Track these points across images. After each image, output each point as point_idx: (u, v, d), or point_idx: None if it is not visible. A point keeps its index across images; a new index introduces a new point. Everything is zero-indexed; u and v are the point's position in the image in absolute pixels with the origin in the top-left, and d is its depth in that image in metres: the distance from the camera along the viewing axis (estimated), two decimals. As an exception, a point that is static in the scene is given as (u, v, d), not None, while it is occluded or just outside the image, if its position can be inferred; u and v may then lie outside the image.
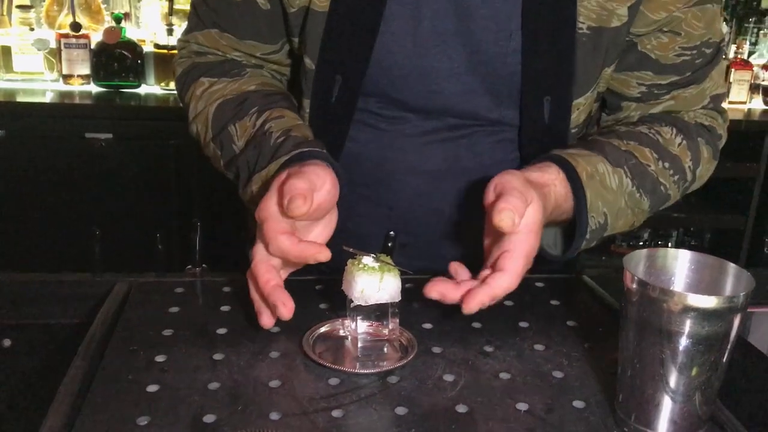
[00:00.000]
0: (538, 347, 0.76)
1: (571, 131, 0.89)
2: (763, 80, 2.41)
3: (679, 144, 0.87)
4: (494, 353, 0.74)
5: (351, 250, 0.73)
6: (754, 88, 2.43)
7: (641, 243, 2.44)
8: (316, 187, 0.70)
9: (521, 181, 0.70)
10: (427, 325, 0.79)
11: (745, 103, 2.42)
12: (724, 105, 0.98)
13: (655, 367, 0.59)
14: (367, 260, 0.72)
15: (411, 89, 0.87)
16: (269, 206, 0.70)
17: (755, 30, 2.54)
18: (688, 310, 0.56)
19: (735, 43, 2.47)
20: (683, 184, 0.89)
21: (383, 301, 0.71)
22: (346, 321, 0.75)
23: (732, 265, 0.62)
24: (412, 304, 0.82)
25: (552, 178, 0.77)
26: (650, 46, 0.87)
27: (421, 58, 0.84)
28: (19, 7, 2.11)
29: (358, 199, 0.94)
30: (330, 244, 0.71)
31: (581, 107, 0.87)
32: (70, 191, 1.88)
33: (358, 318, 0.72)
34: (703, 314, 0.56)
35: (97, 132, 1.94)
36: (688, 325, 0.57)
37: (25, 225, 1.89)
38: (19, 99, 1.98)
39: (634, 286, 0.59)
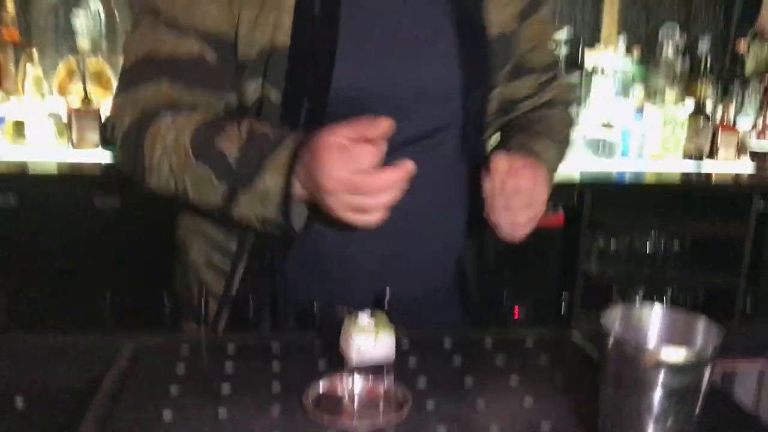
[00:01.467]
0: (528, 403, 0.79)
1: (487, 119, 1.08)
2: (749, 141, 2.48)
3: (557, 112, 1.17)
4: (485, 410, 0.78)
5: (346, 308, 0.78)
6: (741, 149, 2.51)
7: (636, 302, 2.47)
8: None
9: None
10: (422, 380, 0.83)
11: (733, 160, 2.49)
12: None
13: (632, 419, 0.63)
14: (363, 318, 0.76)
15: (372, 100, 0.95)
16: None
17: (740, 93, 2.64)
18: (660, 364, 0.61)
19: (721, 106, 2.55)
20: (571, 122, 1.20)
21: (379, 360, 0.76)
22: (343, 378, 0.79)
23: (702, 318, 0.66)
24: (407, 359, 0.86)
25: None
26: (533, 57, 1.11)
27: (377, 72, 0.95)
28: (33, 77, 2.21)
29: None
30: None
31: (492, 100, 1.07)
32: (80, 255, 1.93)
33: (355, 375, 0.77)
34: (675, 368, 0.61)
35: (106, 198, 2.00)
36: (661, 379, 0.61)
37: (37, 288, 1.93)
38: (31, 167, 2.05)
39: (610, 342, 0.64)
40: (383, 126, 0.82)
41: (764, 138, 2.46)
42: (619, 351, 0.63)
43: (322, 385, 0.80)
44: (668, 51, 2.61)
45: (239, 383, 0.81)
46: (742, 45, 2.67)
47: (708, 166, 2.46)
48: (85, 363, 0.90)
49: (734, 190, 2.34)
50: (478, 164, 1.00)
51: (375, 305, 0.91)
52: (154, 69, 0.94)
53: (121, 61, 2.17)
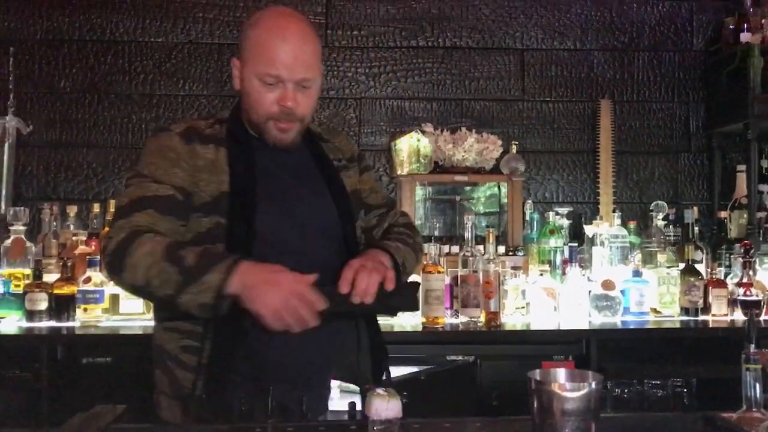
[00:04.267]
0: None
1: (359, 240, 1.67)
2: (739, 296, 2.82)
3: (402, 230, 1.73)
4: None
5: (367, 386, 1.16)
6: (732, 303, 2.83)
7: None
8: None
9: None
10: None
11: (726, 315, 2.80)
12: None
13: (549, 434, 0.98)
14: (379, 390, 1.15)
15: (283, 227, 1.53)
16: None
17: (728, 255, 3.01)
18: (561, 393, 0.97)
19: (710, 267, 2.92)
20: (415, 244, 1.72)
21: (391, 416, 1.13)
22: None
23: (591, 372, 1.03)
24: (411, 426, 1.22)
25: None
26: (371, 200, 1.74)
27: (283, 209, 1.54)
28: (128, 263, 2.73)
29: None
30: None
31: (358, 227, 1.68)
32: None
33: (375, 429, 1.13)
34: (570, 396, 0.97)
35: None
36: (563, 403, 0.97)
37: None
38: (123, 332, 2.50)
39: (533, 385, 1.01)
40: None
41: (750, 293, 2.79)
42: (538, 390, 1.00)
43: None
44: (658, 222, 3.03)
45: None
46: (723, 214, 3.09)
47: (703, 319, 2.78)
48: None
49: (726, 336, 2.63)
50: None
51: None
52: (144, 203, 1.47)
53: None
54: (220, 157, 1.53)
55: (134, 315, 2.68)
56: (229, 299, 1.36)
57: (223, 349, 1.44)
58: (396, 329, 2.52)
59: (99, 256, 2.73)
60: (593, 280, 2.82)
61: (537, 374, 1.05)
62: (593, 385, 0.98)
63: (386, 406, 1.13)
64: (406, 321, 2.62)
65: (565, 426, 0.98)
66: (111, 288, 2.69)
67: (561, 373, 1.05)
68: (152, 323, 2.63)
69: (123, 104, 3.13)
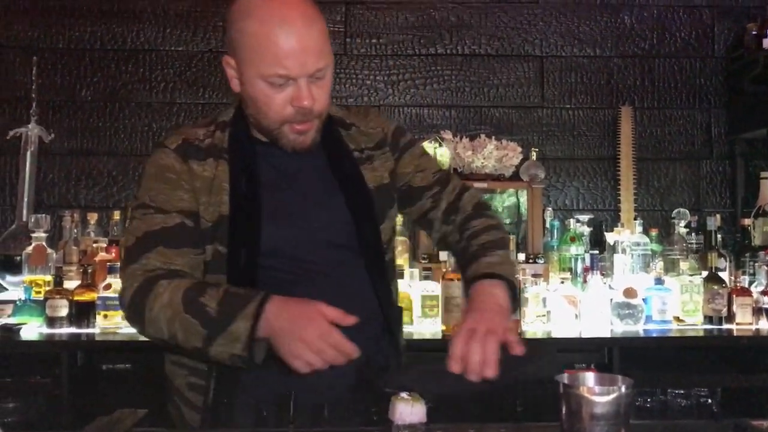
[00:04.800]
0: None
1: (383, 246, 1.48)
2: (764, 304, 2.77)
3: (481, 222, 1.51)
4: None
5: (390, 389, 1.15)
6: (757, 312, 2.79)
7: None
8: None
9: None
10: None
11: (751, 324, 2.76)
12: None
13: (579, 439, 0.96)
14: (403, 394, 1.13)
15: (292, 247, 1.39)
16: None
17: (752, 263, 2.96)
18: (587, 397, 0.95)
19: (733, 275, 2.87)
20: (504, 231, 1.54)
21: (414, 421, 1.11)
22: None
23: (620, 376, 1.01)
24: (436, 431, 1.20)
25: (481, 288, 1.36)
26: (418, 182, 1.55)
27: (291, 224, 1.39)
28: (148, 270, 2.73)
29: None
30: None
31: (384, 230, 1.49)
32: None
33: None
34: (597, 400, 0.95)
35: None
36: (592, 406, 0.96)
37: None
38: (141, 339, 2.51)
39: (562, 389, 0.99)
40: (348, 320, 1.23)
41: (775, 301, 2.75)
42: (568, 392, 0.98)
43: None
44: (680, 230, 2.99)
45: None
46: (747, 221, 3.04)
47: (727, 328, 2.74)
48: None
49: (751, 345, 2.59)
50: (383, 274, 1.47)
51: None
52: (152, 240, 1.33)
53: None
54: (219, 173, 1.38)
55: (154, 322, 2.68)
56: (265, 343, 1.23)
57: (228, 389, 1.34)
58: (415, 337, 2.50)
59: (118, 263, 2.74)
60: (615, 288, 2.79)
61: (565, 378, 1.03)
62: (623, 389, 0.96)
63: (410, 411, 1.11)
64: (426, 329, 2.60)
65: (594, 431, 0.96)
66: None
67: (590, 377, 1.03)
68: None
69: (143, 113, 3.15)
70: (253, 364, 1.24)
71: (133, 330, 2.59)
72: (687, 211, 3.06)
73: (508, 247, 1.53)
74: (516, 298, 1.39)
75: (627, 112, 3.23)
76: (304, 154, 1.39)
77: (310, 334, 1.18)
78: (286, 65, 1.27)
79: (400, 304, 1.62)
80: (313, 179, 1.44)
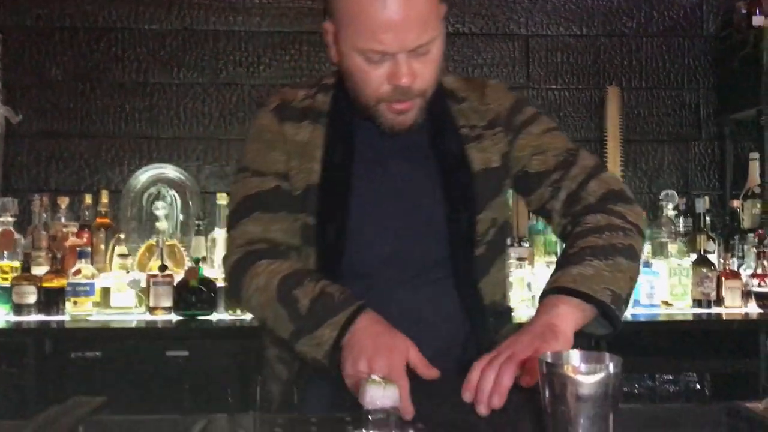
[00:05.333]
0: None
1: (477, 238, 1.31)
2: (753, 287, 2.71)
3: (601, 218, 1.23)
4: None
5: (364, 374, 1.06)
6: (746, 295, 2.73)
7: None
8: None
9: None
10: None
11: (740, 307, 2.70)
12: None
13: (563, 422, 0.88)
14: (375, 377, 1.04)
15: (378, 227, 1.29)
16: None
17: (741, 246, 2.90)
18: (572, 378, 0.87)
19: (722, 258, 2.81)
20: (631, 232, 1.22)
21: (387, 405, 1.03)
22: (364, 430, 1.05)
23: (607, 354, 0.93)
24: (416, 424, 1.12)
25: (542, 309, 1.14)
26: (535, 166, 1.33)
27: (380, 204, 1.29)
28: (119, 255, 2.63)
29: None
30: None
31: (481, 221, 1.32)
32: (154, 399, 2.23)
33: (370, 420, 1.03)
34: (586, 380, 0.87)
35: (176, 351, 2.33)
36: (574, 388, 0.87)
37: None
38: (114, 326, 2.42)
39: (545, 369, 0.91)
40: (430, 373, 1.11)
41: (764, 284, 2.69)
42: (551, 373, 0.90)
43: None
44: (668, 212, 2.93)
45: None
46: (736, 204, 2.98)
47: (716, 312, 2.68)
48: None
49: (739, 329, 2.54)
50: (468, 275, 1.31)
51: None
52: (249, 205, 1.31)
53: (192, 241, 2.61)
54: (314, 138, 1.31)
55: (126, 309, 2.59)
56: None
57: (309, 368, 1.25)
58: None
59: (89, 248, 2.65)
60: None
61: (548, 356, 0.95)
62: (611, 368, 0.88)
63: (382, 394, 1.02)
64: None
65: (580, 414, 0.88)
66: (101, 281, 2.61)
67: (575, 355, 0.95)
68: (144, 317, 2.58)
69: (116, 93, 3.03)
70: (332, 371, 1.15)
71: (104, 317, 2.53)
72: (675, 194, 2.99)
73: (630, 254, 1.19)
74: (612, 318, 1.14)
75: (614, 92, 3.15)
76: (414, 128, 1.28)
77: (380, 363, 1.08)
78: (383, 40, 1.14)
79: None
80: (411, 157, 1.33)
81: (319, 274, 1.27)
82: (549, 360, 0.94)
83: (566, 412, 0.88)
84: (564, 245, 1.29)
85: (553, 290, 1.14)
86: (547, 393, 0.91)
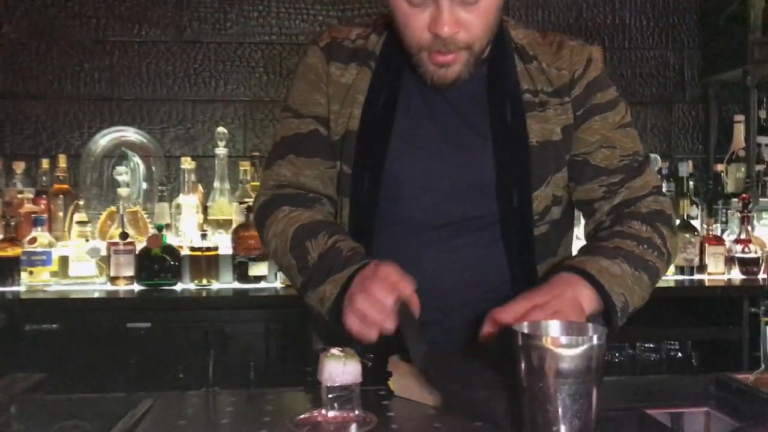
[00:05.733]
0: (478, 423, 0.94)
1: (534, 218, 1.20)
2: (736, 253, 2.64)
3: (646, 230, 1.17)
4: (441, 428, 0.93)
5: (320, 346, 0.96)
6: (729, 261, 2.66)
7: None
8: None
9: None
10: (390, 413, 0.98)
11: (723, 273, 2.63)
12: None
13: (541, 401, 0.79)
14: (334, 350, 0.94)
15: (417, 185, 1.20)
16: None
17: (724, 211, 2.83)
18: (551, 350, 0.77)
19: (706, 223, 2.74)
20: (663, 258, 1.18)
21: (347, 382, 0.92)
22: (322, 411, 0.95)
23: (590, 324, 0.83)
24: (378, 392, 1.02)
25: (567, 277, 1.08)
26: (599, 159, 1.22)
27: (422, 161, 1.19)
28: (78, 222, 2.50)
29: None
30: None
31: (539, 198, 1.20)
32: (113, 374, 2.11)
33: (329, 397, 0.93)
34: (562, 353, 0.77)
35: (138, 322, 2.22)
36: (553, 362, 0.78)
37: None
38: (73, 296, 2.30)
39: (520, 340, 0.81)
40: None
41: (748, 249, 2.62)
42: (525, 345, 0.80)
43: (303, 415, 0.95)
44: (651, 176, 2.84)
45: (236, 421, 0.98)
46: (720, 167, 2.90)
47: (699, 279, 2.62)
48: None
49: (723, 296, 2.47)
50: (526, 251, 1.20)
51: None
52: (286, 147, 1.26)
53: (155, 207, 2.47)
54: (358, 82, 1.23)
55: (86, 278, 2.47)
56: None
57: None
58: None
59: (46, 216, 2.51)
60: (581, 238, 2.63)
61: (525, 327, 0.85)
62: (595, 339, 0.79)
63: (342, 370, 0.92)
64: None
65: (561, 390, 0.78)
66: (60, 250, 2.48)
67: (554, 326, 0.86)
68: (106, 287, 2.46)
69: (74, 51, 2.86)
70: (336, 327, 1.09)
71: (62, 288, 2.41)
72: (658, 157, 2.90)
73: (654, 276, 1.16)
74: (611, 324, 1.08)
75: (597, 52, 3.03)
76: (459, 84, 1.16)
77: (360, 301, 1.02)
78: None
79: None
80: (461, 115, 1.21)
81: (338, 227, 1.22)
82: (525, 330, 0.84)
83: (544, 388, 0.79)
84: (594, 233, 1.24)
85: (575, 269, 1.09)
86: (523, 367, 0.81)
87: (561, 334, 0.84)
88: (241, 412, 1.00)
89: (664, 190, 2.69)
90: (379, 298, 1.00)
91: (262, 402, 1.05)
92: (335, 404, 0.93)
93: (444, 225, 1.21)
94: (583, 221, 1.33)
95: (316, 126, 1.25)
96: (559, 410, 0.78)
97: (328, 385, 0.92)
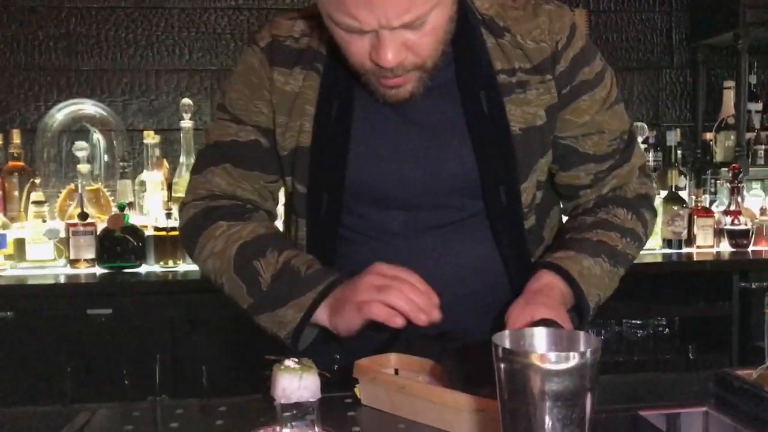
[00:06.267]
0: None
1: (523, 210, 1.09)
2: (725, 225, 2.55)
3: (631, 219, 1.12)
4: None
5: (273, 357, 0.84)
6: (718, 233, 2.57)
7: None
8: None
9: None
10: (356, 428, 0.87)
11: (712, 246, 2.54)
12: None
13: (526, 426, 0.67)
14: (289, 362, 0.82)
15: (389, 199, 1.08)
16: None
17: (713, 181, 2.73)
18: (537, 367, 0.66)
19: (694, 194, 2.64)
20: (641, 245, 1.16)
21: (304, 399, 0.81)
22: (276, 427, 0.83)
23: (582, 333, 0.72)
24: (344, 401, 0.91)
25: (550, 279, 1.02)
26: (587, 146, 1.12)
27: (390, 173, 1.06)
28: (34, 202, 2.35)
29: None
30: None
31: (527, 190, 1.09)
32: (71, 364, 1.99)
33: (284, 416, 0.81)
34: (551, 370, 0.66)
35: (98, 309, 2.09)
36: (540, 382, 0.66)
37: (28, 395, 1.98)
38: (30, 281, 2.16)
39: (500, 354, 0.69)
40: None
41: (738, 221, 2.53)
42: (508, 362, 0.68)
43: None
44: (638, 145, 2.73)
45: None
46: (708, 136, 2.79)
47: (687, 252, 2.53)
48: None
49: (712, 270, 2.38)
50: (519, 246, 1.10)
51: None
52: (221, 153, 1.12)
53: (117, 184, 2.33)
54: (305, 90, 1.07)
55: (45, 262, 2.33)
56: (315, 329, 1.04)
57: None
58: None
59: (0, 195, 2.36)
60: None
61: (506, 338, 0.73)
62: (588, 354, 0.67)
63: (298, 385, 0.81)
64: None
65: (548, 413, 0.66)
66: (15, 231, 2.33)
67: (540, 336, 0.74)
68: (65, 270, 2.32)
69: (27, 19, 2.67)
70: (296, 350, 1.03)
71: (18, 272, 2.26)
72: (645, 126, 2.78)
73: (628, 265, 1.12)
74: (581, 320, 1.06)
75: (581, 15, 2.89)
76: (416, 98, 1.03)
77: (367, 279, 0.97)
78: (357, 15, 0.89)
79: None
80: (430, 111, 1.06)
81: (283, 240, 1.12)
82: (507, 344, 0.72)
83: (530, 412, 0.67)
84: (576, 211, 1.17)
85: (555, 268, 1.04)
86: (503, 385, 0.69)
87: (548, 346, 0.73)
88: (186, 429, 0.88)
89: (650, 161, 2.62)
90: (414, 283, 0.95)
91: (213, 415, 0.94)
92: (291, 423, 0.81)
93: (426, 231, 1.09)
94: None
95: (256, 136, 1.11)
96: (547, 436, 0.66)
97: (282, 402, 0.80)
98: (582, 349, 0.71)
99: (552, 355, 0.66)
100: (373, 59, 0.93)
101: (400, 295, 0.93)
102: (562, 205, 1.23)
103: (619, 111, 1.13)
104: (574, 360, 0.66)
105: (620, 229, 1.09)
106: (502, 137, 1.05)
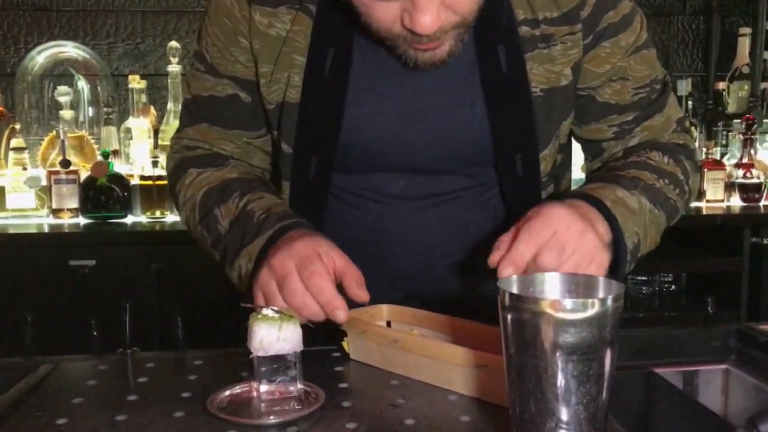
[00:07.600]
0: (452, 397, 0.74)
1: (542, 180, 0.98)
2: (737, 179, 2.45)
3: (668, 162, 0.96)
4: (404, 404, 0.73)
5: (249, 305, 0.74)
6: (729, 187, 2.47)
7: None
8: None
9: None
10: (343, 385, 0.78)
11: (722, 201, 2.44)
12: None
13: (535, 383, 0.58)
14: (267, 311, 0.73)
15: (389, 162, 0.96)
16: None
17: (725, 133, 2.62)
18: (549, 316, 0.56)
19: (705, 146, 2.53)
20: (684, 196, 0.98)
21: (284, 351, 0.72)
22: (254, 383, 0.74)
23: (601, 278, 0.62)
24: (332, 355, 0.82)
25: (570, 202, 0.83)
26: (607, 95, 0.97)
27: (392, 135, 0.93)
28: (14, 149, 2.24)
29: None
30: None
31: (546, 158, 0.97)
32: (52, 317, 1.91)
33: (262, 371, 0.72)
34: (566, 320, 0.56)
35: (81, 259, 2.00)
36: (553, 333, 0.57)
37: (12, 343, 1.90)
38: (11, 231, 2.06)
39: (507, 302, 0.60)
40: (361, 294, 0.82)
41: (750, 174, 2.42)
42: (515, 310, 0.59)
43: (232, 390, 0.75)
44: (647, 95, 2.61)
45: (149, 390, 0.77)
46: (721, 86, 2.67)
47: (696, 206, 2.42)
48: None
49: (722, 225, 2.29)
50: None
51: None
52: (199, 110, 1.02)
53: (101, 131, 2.21)
54: (296, 35, 0.91)
55: (26, 211, 2.23)
56: None
57: None
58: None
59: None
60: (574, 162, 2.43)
61: (514, 283, 0.64)
62: (610, 301, 0.57)
63: (277, 336, 0.71)
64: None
65: (561, 369, 0.57)
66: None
67: (553, 281, 0.64)
68: (48, 220, 2.22)
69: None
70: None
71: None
72: (655, 74, 2.66)
73: (672, 216, 0.97)
74: (617, 268, 0.87)
75: (590, -43, 2.75)
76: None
77: (295, 283, 0.80)
78: None
79: None
80: (440, 78, 0.92)
81: (257, 182, 1.00)
82: (515, 289, 0.63)
83: (538, 367, 0.58)
84: (601, 167, 1.02)
85: (586, 197, 0.86)
86: (510, 338, 0.60)
87: (563, 292, 0.63)
88: (156, 387, 0.79)
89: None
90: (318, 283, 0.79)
91: (187, 369, 0.85)
92: (270, 378, 0.73)
93: (427, 197, 0.98)
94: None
95: (235, 90, 0.98)
96: (560, 395, 0.57)
97: (260, 355, 0.71)
98: (602, 295, 0.62)
99: (567, 302, 0.57)
100: (406, 25, 0.78)
101: (294, 294, 0.79)
102: (585, 165, 1.08)
103: (648, 56, 0.98)
104: (593, 308, 0.57)
105: (656, 170, 0.94)
106: (521, 100, 0.92)
